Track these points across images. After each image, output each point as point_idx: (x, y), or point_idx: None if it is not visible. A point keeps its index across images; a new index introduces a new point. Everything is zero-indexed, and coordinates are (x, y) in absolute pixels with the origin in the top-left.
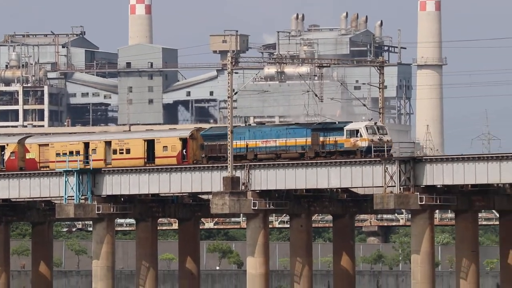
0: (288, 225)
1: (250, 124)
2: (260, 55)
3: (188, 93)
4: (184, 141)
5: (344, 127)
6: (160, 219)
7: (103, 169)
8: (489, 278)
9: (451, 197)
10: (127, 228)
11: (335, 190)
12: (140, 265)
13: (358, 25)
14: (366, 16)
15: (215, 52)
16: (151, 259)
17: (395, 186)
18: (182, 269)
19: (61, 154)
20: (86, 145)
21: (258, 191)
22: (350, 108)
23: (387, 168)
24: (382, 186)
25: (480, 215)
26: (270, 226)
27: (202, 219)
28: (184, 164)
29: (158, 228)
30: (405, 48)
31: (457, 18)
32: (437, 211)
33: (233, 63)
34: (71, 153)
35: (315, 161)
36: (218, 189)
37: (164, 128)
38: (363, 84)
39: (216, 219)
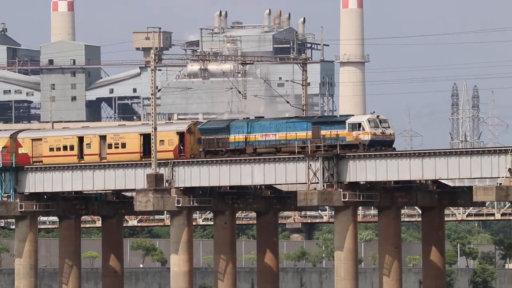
0: (212, 222)
1: (249, 118)
2: (183, 52)
3: (111, 90)
4: (181, 135)
5: (346, 121)
6: (83, 217)
7: (26, 166)
8: (412, 274)
9: (374, 194)
10: (50, 226)
11: (259, 187)
12: (63, 263)
13: (281, 22)
14: (289, 13)
15: (138, 49)
16: (74, 257)
17: (318, 183)
18: (106, 267)
19: (55, 148)
20: (81, 139)
21: (182, 188)
22: (273, 105)
23: (310, 165)
24: (306, 183)
25: (402, 211)
26: (194, 223)
27: (125, 216)
28: (107, 162)
29: (81, 225)
30: (327, 45)
31: (379, 15)
32: (360, 207)
33: (156, 60)
34: (65, 147)
35: (239, 158)
36: (141, 186)
37: (160, 122)
38: (286, 81)
39: (140, 217)
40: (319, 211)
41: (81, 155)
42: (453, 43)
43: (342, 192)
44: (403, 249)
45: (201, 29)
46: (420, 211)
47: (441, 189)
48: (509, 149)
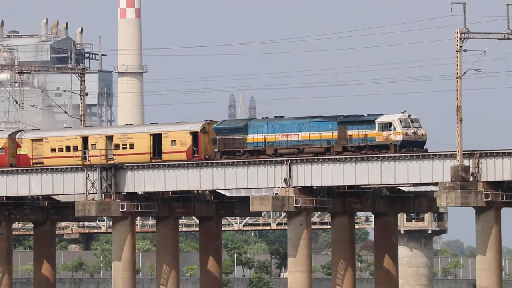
0: None
1: (268, 117)
2: None
3: None
4: (194, 135)
5: (376, 120)
6: None
7: None
8: (189, 284)
9: (152, 204)
10: None
11: (36, 197)
12: None
13: (59, 32)
14: (67, 23)
15: None
16: None
17: (96, 193)
18: None
19: (57, 149)
20: (85, 139)
21: None
22: (51, 115)
23: (88, 175)
24: (84, 193)
25: (180, 221)
26: None
27: None
28: None
29: None
30: (106, 56)
31: (157, 26)
32: (138, 218)
33: None
34: (68, 148)
35: (15, 169)
36: None
37: (171, 122)
38: (64, 91)
39: None
40: (97, 222)
41: (85, 156)
42: (232, 54)
43: (120, 203)
44: (180, 259)
45: None
46: (197, 221)
47: (218, 199)
48: (285, 160)
